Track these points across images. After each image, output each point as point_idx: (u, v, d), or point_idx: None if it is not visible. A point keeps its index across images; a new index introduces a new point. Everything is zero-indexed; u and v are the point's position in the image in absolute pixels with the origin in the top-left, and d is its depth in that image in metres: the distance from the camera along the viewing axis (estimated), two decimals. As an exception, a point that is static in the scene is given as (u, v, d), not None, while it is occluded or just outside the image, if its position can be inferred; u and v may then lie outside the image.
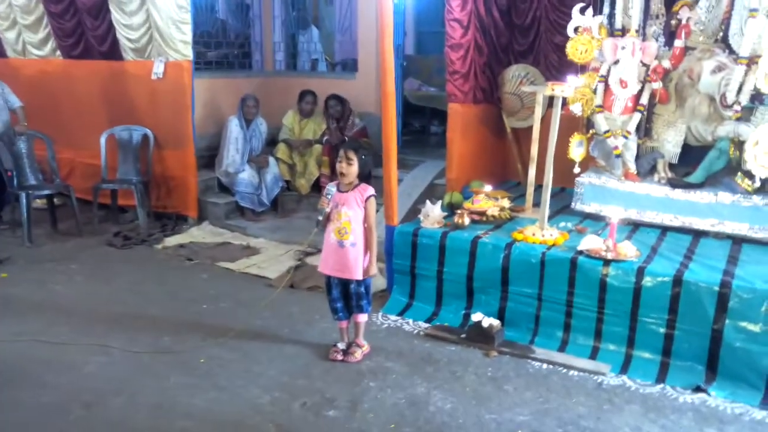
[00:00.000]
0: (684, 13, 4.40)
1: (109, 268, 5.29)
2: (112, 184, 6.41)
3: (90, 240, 5.98)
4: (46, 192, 6.20)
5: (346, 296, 3.71)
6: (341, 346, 3.79)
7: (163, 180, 6.53)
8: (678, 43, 4.45)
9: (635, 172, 4.63)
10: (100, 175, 6.43)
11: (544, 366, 3.70)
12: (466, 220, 4.46)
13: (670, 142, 4.59)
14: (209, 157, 6.82)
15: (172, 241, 5.96)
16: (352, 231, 3.56)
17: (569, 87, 4.14)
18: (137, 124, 6.47)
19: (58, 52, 7.11)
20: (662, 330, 3.64)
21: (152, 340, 3.97)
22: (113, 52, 6.54)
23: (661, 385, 3.49)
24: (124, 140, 6.45)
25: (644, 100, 4.53)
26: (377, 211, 5.06)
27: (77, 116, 7.02)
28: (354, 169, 3.54)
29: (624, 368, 3.65)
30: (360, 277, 3.61)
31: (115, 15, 6.29)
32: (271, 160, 6.62)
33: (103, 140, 6.40)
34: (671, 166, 4.64)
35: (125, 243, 5.88)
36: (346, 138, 6.61)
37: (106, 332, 4.05)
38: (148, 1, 6.01)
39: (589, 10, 4.52)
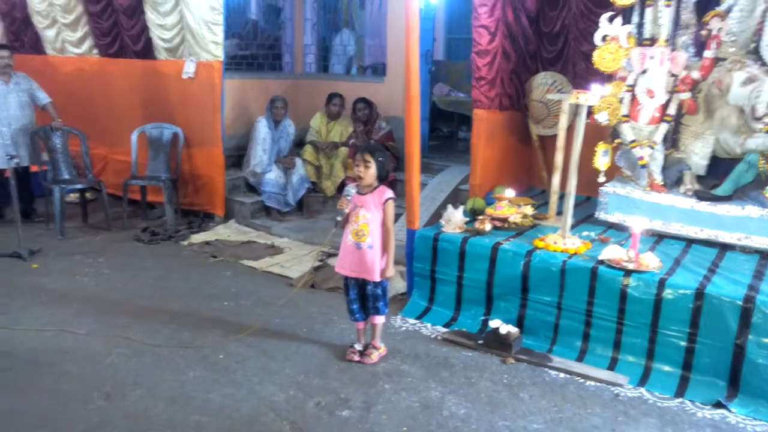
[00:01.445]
0: (715, 24, 4.34)
1: (135, 262, 5.40)
2: (141, 181, 6.53)
3: (119, 234, 6.12)
4: (79, 186, 6.37)
5: (363, 297, 3.74)
6: (358, 347, 3.82)
7: (191, 178, 6.64)
8: (708, 53, 4.39)
9: (661, 183, 4.58)
10: (131, 171, 6.57)
11: (561, 375, 3.67)
12: (488, 226, 4.45)
13: (697, 153, 4.53)
14: (237, 156, 6.92)
15: (198, 238, 6.06)
16: (369, 233, 3.58)
17: (594, 96, 4.11)
18: (168, 122, 6.60)
19: (95, 51, 7.30)
20: (683, 343, 3.59)
21: (173, 334, 4.05)
22: (147, 51, 6.69)
23: (680, 400, 3.45)
24: (155, 138, 6.58)
25: (672, 110, 4.48)
26: (401, 215, 5.11)
27: (111, 113, 7.19)
28: (372, 171, 3.56)
29: (642, 380, 3.61)
30: (377, 278, 3.63)
31: (150, 15, 6.43)
32: (298, 161, 6.69)
33: (134, 137, 6.54)
34: (698, 178, 4.59)
35: (152, 238, 5.99)
36: (372, 141, 6.65)
37: (129, 325, 4.13)
38: (182, 2, 6.14)
39: (618, 19, 4.48)
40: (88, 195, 6.60)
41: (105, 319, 4.23)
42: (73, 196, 6.84)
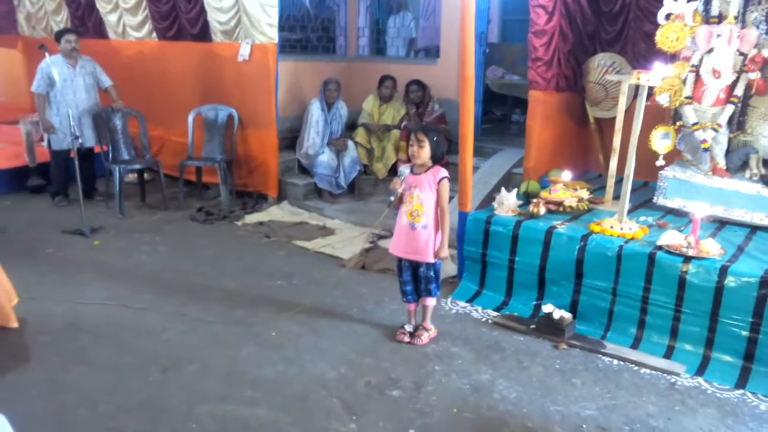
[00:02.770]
0: (789, -1, 4.13)
1: (191, 241, 5.53)
2: (197, 162, 6.66)
3: (175, 214, 6.27)
4: (137, 167, 6.54)
5: (416, 279, 3.73)
6: (408, 328, 3.82)
7: (245, 159, 6.74)
8: (782, 30, 4.18)
9: (724, 168, 4.41)
10: (187, 153, 6.71)
11: (615, 362, 3.60)
12: (542, 210, 4.38)
13: (766, 136, 4.34)
14: (291, 138, 6.99)
15: (251, 218, 6.15)
16: (424, 213, 3.55)
17: (656, 76, 3.97)
18: (223, 104, 6.70)
19: (154, 34, 7.44)
20: (745, 333, 3.46)
21: (227, 311, 4.13)
22: (203, 34, 6.79)
23: (741, 391, 3.33)
24: (210, 119, 6.69)
25: (739, 91, 4.29)
26: (452, 197, 5.07)
27: (168, 95, 7.35)
28: (425, 151, 3.53)
29: (700, 370, 3.50)
30: (431, 260, 3.61)
31: (207, -2, 6.52)
32: (350, 143, 6.71)
33: (190, 119, 6.67)
34: (765, 162, 4.39)
35: (207, 218, 6.11)
36: (425, 123, 6.61)
37: (184, 301, 4.24)
38: (238, -15, 6.20)
39: (684, -4, 4.31)
40: (145, 175, 6.77)
41: (162, 295, 4.34)
42: (131, 177, 7.04)
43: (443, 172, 3.58)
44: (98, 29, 8.04)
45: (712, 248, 3.68)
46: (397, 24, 8.33)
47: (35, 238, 5.44)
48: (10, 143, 7.17)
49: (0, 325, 3.76)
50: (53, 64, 5.98)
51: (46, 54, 5.82)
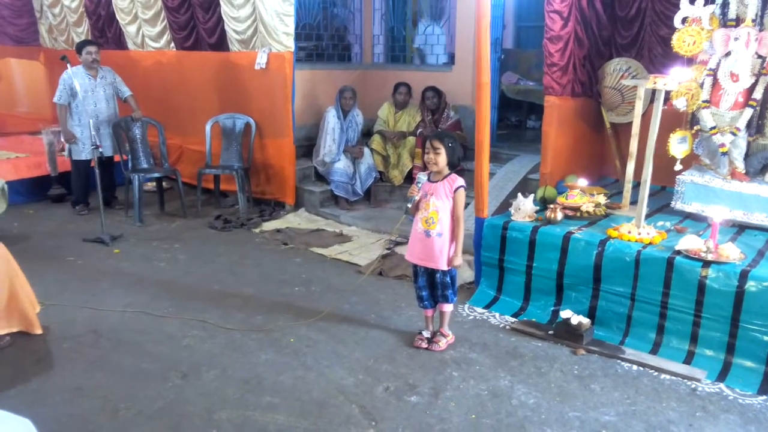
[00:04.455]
0: (808, 1, 4.10)
1: (209, 248, 5.58)
2: (215, 170, 6.72)
3: (193, 222, 6.33)
4: (156, 175, 6.60)
5: (432, 285, 3.74)
6: (426, 334, 3.83)
7: (263, 167, 6.79)
8: (800, 33, 4.15)
9: (743, 172, 4.37)
10: (205, 161, 6.77)
11: (634, 367, 3.57)
12: (559, 215, 4.37)
13: (785, 140, 4.30)
14: (308, 146, 7.03)
15: (269, 225, 6.19)
16: (439, 221, 3.57)
17: (673, 80, 3.96)
18: (241, 112, 6.76)
19: (172, 44, 7.54)
20: (767, 338, 3.42)
21: (245, 318, 4.16)
22: (221, 43, 6.87)
23: (764, 397, 3.30)
24: (228, 128, 6.76)
25: (757, 94, 4.25)
26: (468, 203, 5.08)
27: (186, 104, 7.43)
28: (442, 158, 3.54)
29: (722, 376, 3.47)
30: (444, 267, 3.62)
31: (224, 8, 6.59)
32: (366, 150, 6.74)
33: (208, 127, 6.73)
34: (785, 166, 4.35)
35: (225, 226, 6.16)
36: (440, 130, 6.61)
37: (203, 308, 4.28)
38: (255, -6, 6.26)
39: (700, 0, 4.29)
40: (164, 184, 6.84)
41: (181, 302, 4.39)
42: (150, 185, 7.12)
43: (460, 181, 3.59)
44: (118, 40, 8.16)
45: (732, 252, 3.65)
46: (435, 32, 8.24)
47: (57, 246, 5.52)
48: (32, 153, 7.30)
49: (24, 332, 3.82)
50: (75, 75, 6.08)
51: (68, 65, 5.91)
